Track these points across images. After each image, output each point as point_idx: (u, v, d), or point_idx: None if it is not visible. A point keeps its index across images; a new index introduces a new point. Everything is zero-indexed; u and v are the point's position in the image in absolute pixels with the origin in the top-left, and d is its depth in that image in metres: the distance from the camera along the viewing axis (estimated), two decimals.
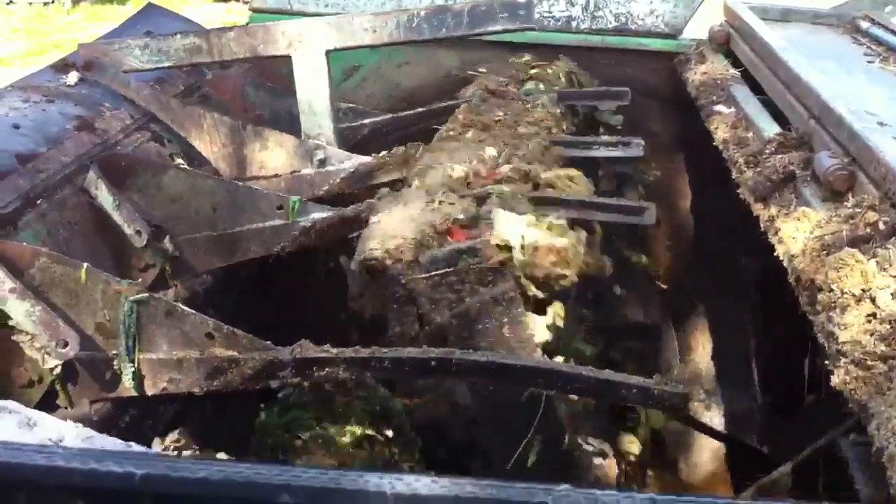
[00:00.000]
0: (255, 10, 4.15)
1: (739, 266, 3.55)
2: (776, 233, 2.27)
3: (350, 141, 3.56)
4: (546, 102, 3.45)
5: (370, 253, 2.36)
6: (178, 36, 3.32)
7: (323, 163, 3.26)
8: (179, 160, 3.26)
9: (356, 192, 3.29)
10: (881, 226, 1.95)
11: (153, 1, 4.15)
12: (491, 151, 2.97)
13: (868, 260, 1.85)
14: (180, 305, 2.25)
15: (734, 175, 2.73)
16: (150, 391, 2.25)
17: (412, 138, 3.51)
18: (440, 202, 2.59)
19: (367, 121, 3.71)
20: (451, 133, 3.16)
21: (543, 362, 2.23)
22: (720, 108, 3.29)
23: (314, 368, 2.18)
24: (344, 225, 2.93)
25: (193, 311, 2.24)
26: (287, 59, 3.32)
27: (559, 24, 4.06)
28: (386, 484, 0.97)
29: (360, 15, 3.32)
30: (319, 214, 2.93)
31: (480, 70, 3.88)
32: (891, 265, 1.80)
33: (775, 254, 2.26)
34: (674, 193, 4.10)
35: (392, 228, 2.47)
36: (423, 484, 0.97)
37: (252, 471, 0.99)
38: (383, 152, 3.31)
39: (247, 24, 4.12)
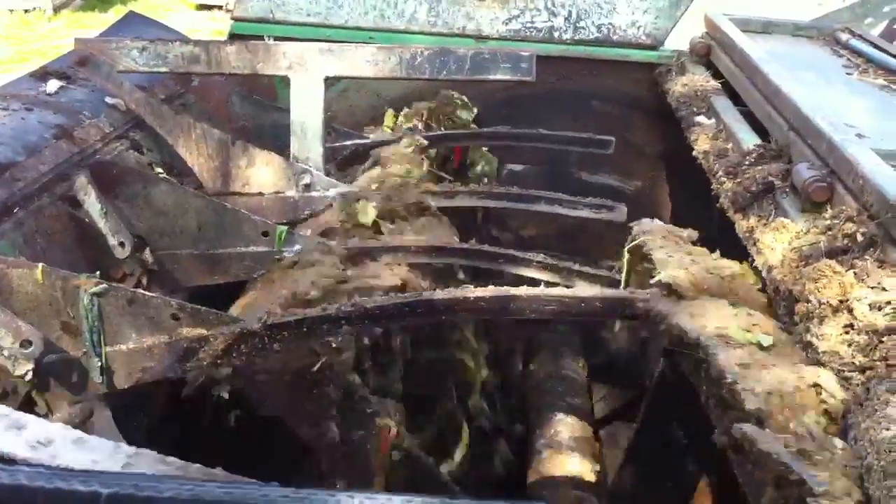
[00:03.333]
0: (236, 20, 4.14)
1: None
2: (755, 243, 2.28)
3: (332, 160, 3.56)
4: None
5: None
6: (178, 43, 3.30)
7: (308, 188, 3.25)
8: (158, 169, 3.24)
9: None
10: (859, 237, 1.96)
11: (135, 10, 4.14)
12: None
13: (846, 271, 1.85)
14: (141, 291, 2.22)
15: (714, 186, 2.74)
16: (124, 384, 2.20)
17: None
18: None
19: (349, 142, 3.71)
20: None
21: (503, 290, 2.21)
22: (701, 119, 3.30)
23: (285, 333, 2.16)
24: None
25: (155, 295, 2.21)
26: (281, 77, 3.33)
27: (541, 34, 4.07)
28: (356, 503, 0.96)
29: (363, 46, 3.32)
30: (303, 246, 2.93)
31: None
32: (868, 276, 1.81)
33: (754, 264, 2.27)
34: (655, 203, 4.12)
35: None
36: None
37: (221, 490, 0.97)
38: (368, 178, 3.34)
39: (229, 32, 4.13)
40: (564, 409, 3.33)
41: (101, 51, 3.30)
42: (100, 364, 2.19)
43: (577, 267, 2.90)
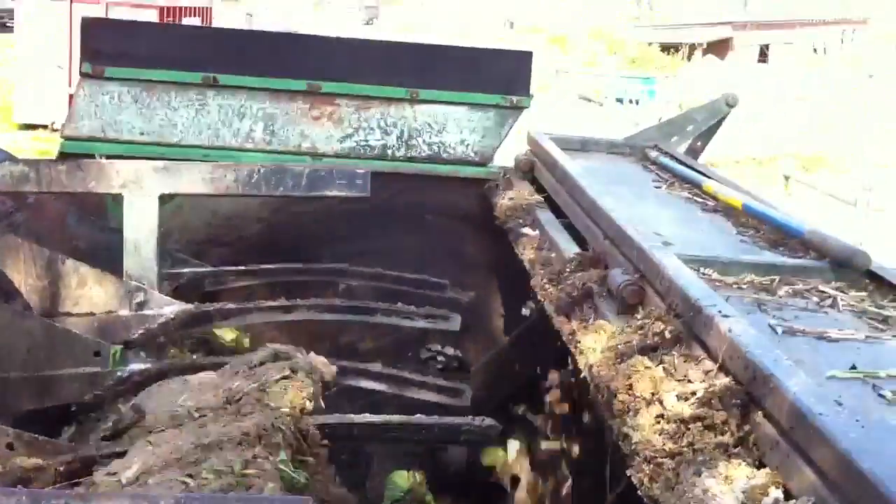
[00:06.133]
0: (67, 138, 4.10)
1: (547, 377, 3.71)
2: (577, 345, 2.42)
3: (169, 285, 3.53)
4: None
5: None
6: (7, 162, 3.24)
7: (142, 306, 3.21)
8: None
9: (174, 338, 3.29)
10: (667, 335, 2.13)
11: None
12: None
13: (656, 366, 2.01)
14: None
15: (539, 293, 2.90)
16: None
17: (231, 292, 3.55)
18: None
19: (186, 270, 3.69)
20: None
21: (357, 417, 2.29)
22: (526, 230, 3.50)
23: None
24: (161, 378, 2.89)
25: None
26: (115, 195, 3.31)
27: (375, 152, 4.23)
28: None
29: (198, 164, 3.35)
30: (138, 366, 2.89)
31: None
32: (676, 370, 1.97)
33: (578, 365, 2.41)
34: (489, 312, 4.27)
35: None
36: None
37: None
38: (206, 303, 3.34)
39: (59, 150, 4.07)
40: None
41: None
42: None
43: (417, 378, 3.00)
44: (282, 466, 2.15)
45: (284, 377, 2.63)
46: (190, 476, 2.03)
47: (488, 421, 2.56)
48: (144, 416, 2.46)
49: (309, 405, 2.60)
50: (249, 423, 2.26)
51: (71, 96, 16.90)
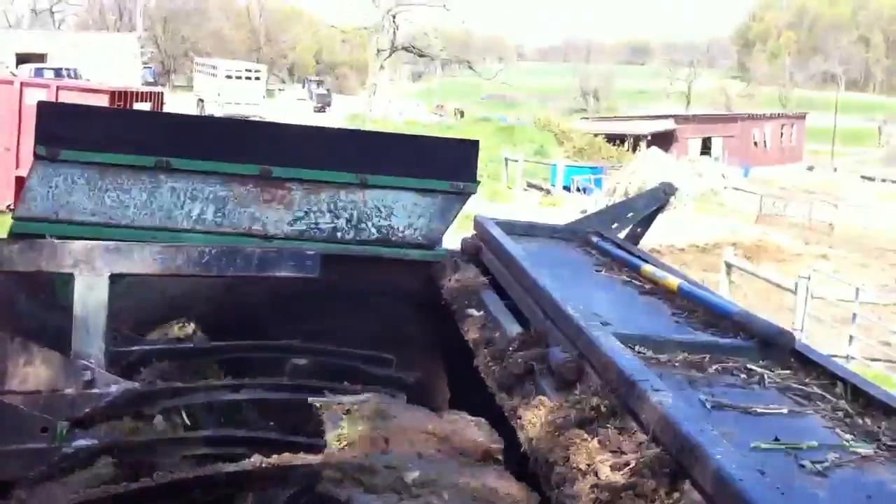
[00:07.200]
0: (18, 219, 4.13)
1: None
2: (519, 420, 2.50)
3: (117, 364, 3.55)
4: None
5: None
6: None
7: (89, 384, 3.22)
8: None
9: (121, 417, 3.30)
10: (603, 409, 2.23)
11: None
12: None
13: (592, 438, 2.10)
14: None
15: (482, 371, 2.99)
16: None
17: (179, 371, 3.59)
18: None
19: (134, 348, 3.71)
20: None
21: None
22: (471, 311, 3.60)
23: None
24: (107, 454, 2.91)
25: None
26: (66, 275, 3.34)
27: (325, 234, 4.32)
28: None
29: (149, 244, 3.41)
30: (84, 442, 2.90)
31: None
32: (610, 442, 2.06)
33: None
34: (434, 391, 4.33)
35: None
36: None
37: None
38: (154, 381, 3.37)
39: (9, 231, 4.10)
40: None
41: None
42: None
43: None
44: None
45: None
46: None
47: None
48: None
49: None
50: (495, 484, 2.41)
51: (18, 178, 16.93)
